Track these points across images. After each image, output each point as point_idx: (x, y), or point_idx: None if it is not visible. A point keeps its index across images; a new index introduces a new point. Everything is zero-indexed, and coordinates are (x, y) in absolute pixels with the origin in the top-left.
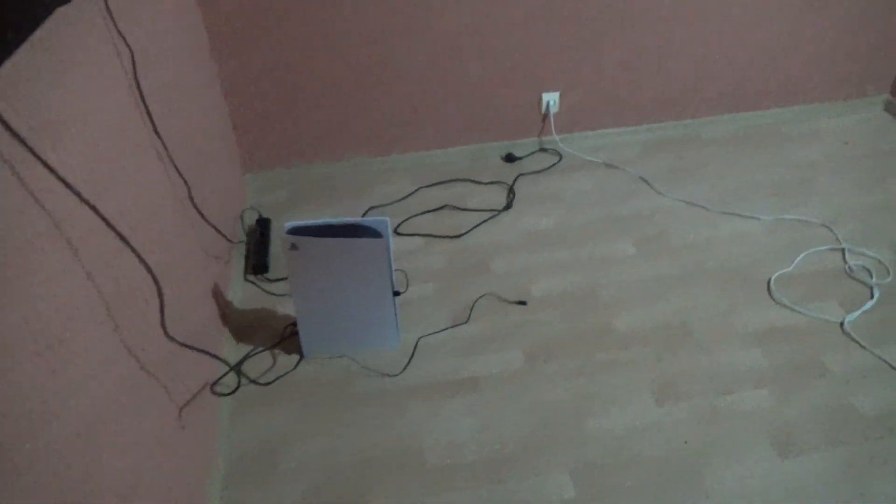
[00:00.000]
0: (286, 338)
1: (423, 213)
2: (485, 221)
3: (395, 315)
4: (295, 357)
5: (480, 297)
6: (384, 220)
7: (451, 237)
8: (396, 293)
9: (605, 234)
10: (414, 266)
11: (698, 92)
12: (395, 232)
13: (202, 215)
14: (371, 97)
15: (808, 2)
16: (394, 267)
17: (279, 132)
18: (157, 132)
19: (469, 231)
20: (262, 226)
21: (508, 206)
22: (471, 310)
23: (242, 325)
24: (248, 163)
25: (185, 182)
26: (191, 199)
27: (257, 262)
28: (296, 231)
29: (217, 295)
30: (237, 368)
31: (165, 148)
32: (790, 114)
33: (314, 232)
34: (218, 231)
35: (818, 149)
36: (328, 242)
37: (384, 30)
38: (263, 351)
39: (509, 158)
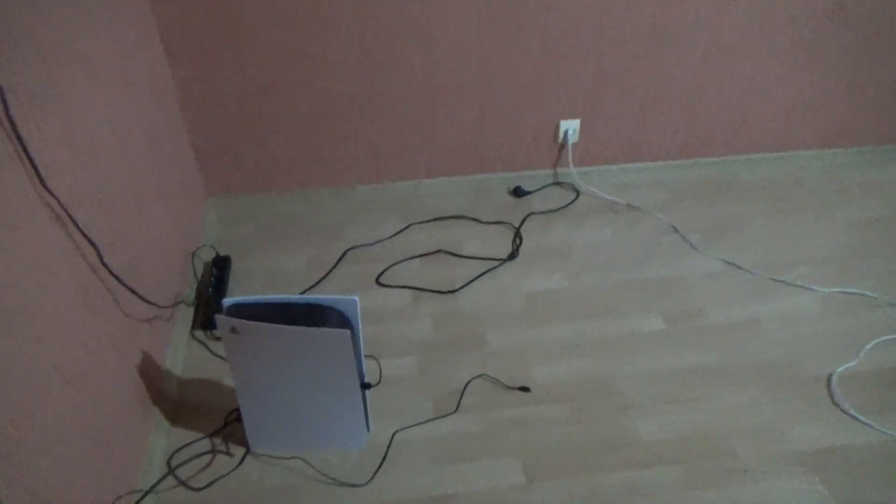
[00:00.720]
0: (231, 422)
1: (411, 257)
2: (484, 273)
3: (365, 410)
4: (239, 450)
5: (473, 379)
6: (352, 301)
7: (443, 292)
8: (366, 386)
9: (627, 302)
10: (395, 330)
11: (739, 126)
12: (378, 282)
13: (119, 280)
14: (356, 117)
15: (868, 43)
16: (363, 353)
17: (247, 154)
18: (45, 186)
19: (465, 286)
20: (220, 267)
21: (513, 256)
22: (460, 396)
23: (181, 402)
24: (210, 186)
25: (93, 244)
26: (102, 263)
27: (208, 318)
28: (238, 309)
29: (146, 370)
30: (168, 471)
31: (61, 205)
32: (844, 157)
33: (262, 312)
34: (141, 298)
35: (879, 202)
36: (279, 330)
37: (374, 44)
38: (202, 439)
39: (518, 193)
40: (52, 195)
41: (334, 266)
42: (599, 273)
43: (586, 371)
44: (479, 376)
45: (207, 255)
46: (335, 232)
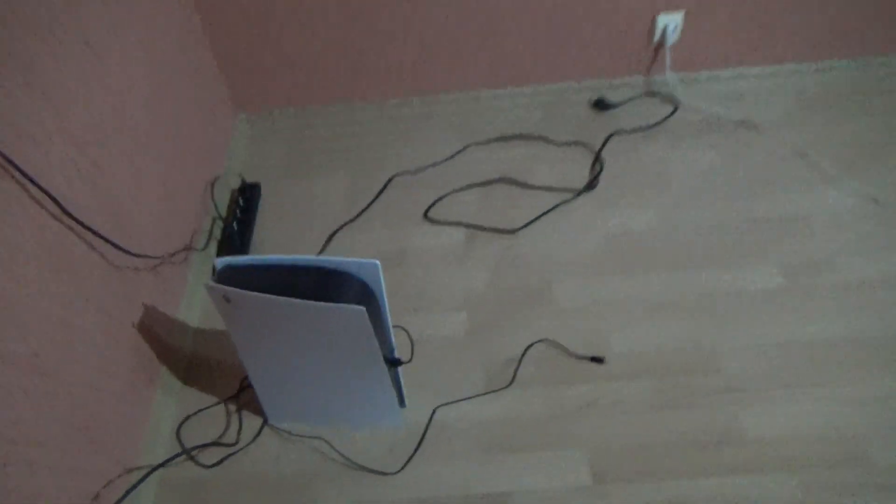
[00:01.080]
0: (246, 387)
1: (467, 187)
2: (554, 209)
3: (398, 386)
4: (256, 421)
5: (535, 344)
6: (373, 266)
7: (503, 231)
8: (394, 362)
9: (735, 250)
10: (443, 278)
11: None
12: (426, 216)
13: (85, 225)
14: (405, 15)
15: None
16: (391, 324)
17: (280, 63)
18: None
19: (530, 223)
20: (247, 197)
21: (591, 187)
22: (517, 365)
23: (195, 358)
24: (239, 100)
25: (49, 195)
26: (65, 212)
27: None
28: (233, 273)
29: (151, 325)
30: (180, 451)
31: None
32: None
33: (263, 277)
34: (121, 249)
35: None
36: (280, 303)
37: None
38: (217, 405)
39: (601, 105)
40: None
41: (376, 196)
42: (700, 210)
43: (677, 339)
44: (541, 341)
45: (234, 183)
46: (379, 155)
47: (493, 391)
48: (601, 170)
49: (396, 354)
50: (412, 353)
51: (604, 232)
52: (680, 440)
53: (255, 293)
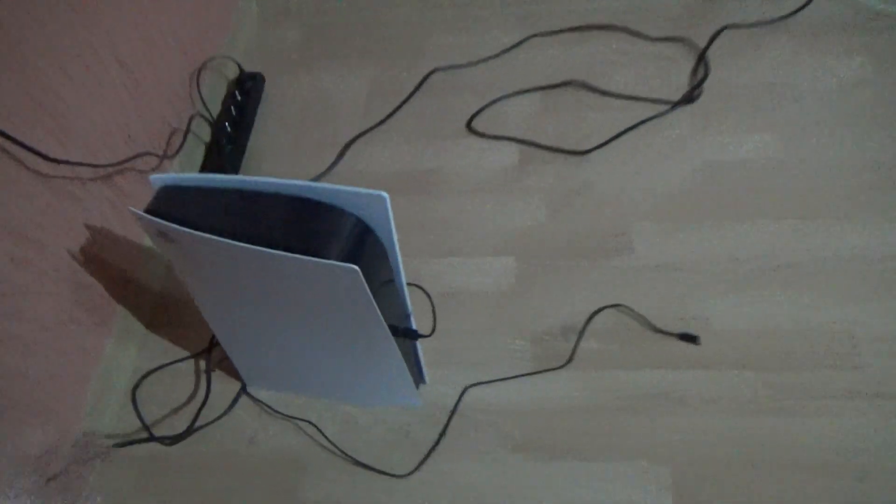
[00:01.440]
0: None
1: (525, 90)
2: (639, 125)
3: (415, 358)
4: (231, 385)
5: (603, 310)
6: (379, 199)
7: (569, 152)
8: (409, 335)
9: (888, 195)
10: (486, 211)
11: None
12: (469, 128)
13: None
14: None
15: None
16: (405, 282)
17: None
18: None
19: (606, 143)
20: (246, 90)
21: (690, 98)
22: (579, 336)
23: (162, 298)
24: None
25: None
26: None
27: (218, 169)
28: (175, 198)
29: (100, 252)
30: (142, 430)
31: None
32: None
33: (215, 207)
34: (36, 153)
35: None
36: (230, 248)
37: None
38: (186, 359)
39: None
40: None
41: (408, 97)
42: (839, 140)
43: (800, 318)
44: (613, 306)
45: (231, 72)
46: (415, 43)
47: (543, 371)
48: (706, 76)
49: (413, 324)
50: (434, 322)
51: (704, 160)
52: (798, 460)
53: (198, 233)
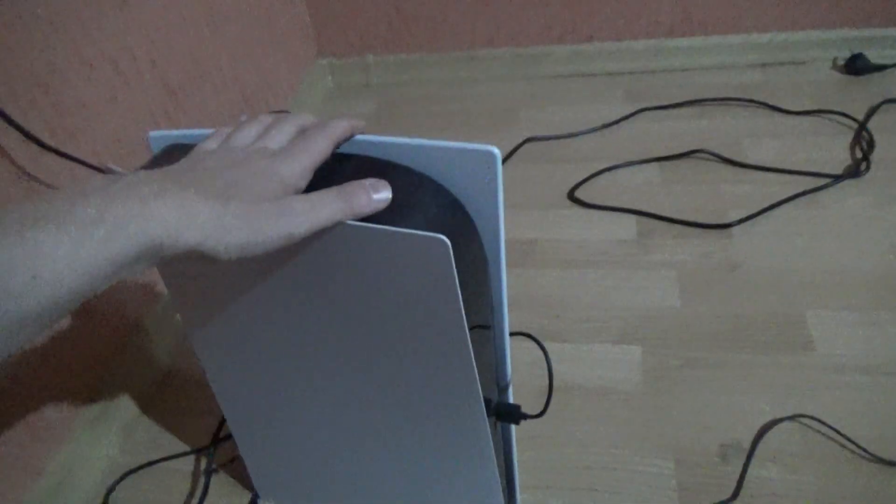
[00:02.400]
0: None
1: (641, 161)
2: (795, 198)
3: (508, 465)
4: (238, 495)
5: (779, 423)
6: (486, 155)
7: (707, 226)
8: (508, 413)
9: None
10: (600, 292)
11: None
12: (572, 197)
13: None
14: None
15: None
16: (507, 328)
17: None
18: None
19: (755, 216)
20: None
21: (856, 173)
22: (747, 458)
23: (170, 374)
24: (322, 40)
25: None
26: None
27: None
28: (175, 161)
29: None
30: None
31: None
32: None
33: None
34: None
35: None
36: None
37: None
38: (184, 455)
39: (857, 65)
40: None
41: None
42: None
43: None
44: (792, 418)
45: None
46: (505, 116)
47: None
48: (871, 149)
49: (511, 398)
50: (549, 397)
51: (890, 240)
52: None
53: None
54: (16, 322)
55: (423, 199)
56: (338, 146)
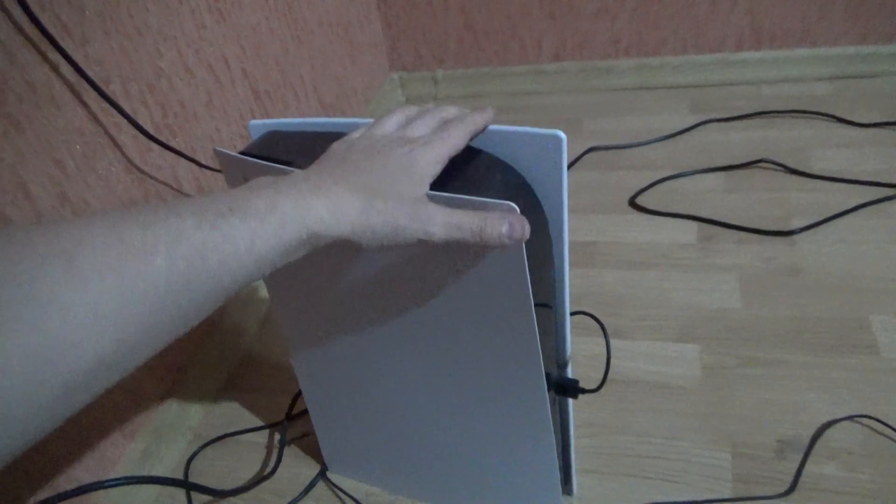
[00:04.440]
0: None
1: (704, 170)
2: (860, 208)
3: (565, 449)
4: (308, 466)
5: (837, 423)
6: (553, 139)
7: (770, 233)
8: (567, 387)
9: None
10: (660, 293)
11: None
12: (633, 204)
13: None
14: None
15: None
16: (568, 304)
17: (455, 7)
18: None
19: (819, 224)
20: None
21: None
22: (804, 455)
23: (250, 355)
24: (395, 55)
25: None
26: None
27: None
28: (275, 144)
29: None
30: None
31: None
32: None
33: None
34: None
35: None
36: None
37: None
38: (259, 430)
39: None
40: None
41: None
42: None
43: None
44: (851, 418)
45: None
46: (569, 125)
47: (754, 499)
48: None
49: (571, 372)
50: (606, 373)
51: None
52: None
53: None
54: (211, 296)
55: (494, 177)
56: (474, 137)
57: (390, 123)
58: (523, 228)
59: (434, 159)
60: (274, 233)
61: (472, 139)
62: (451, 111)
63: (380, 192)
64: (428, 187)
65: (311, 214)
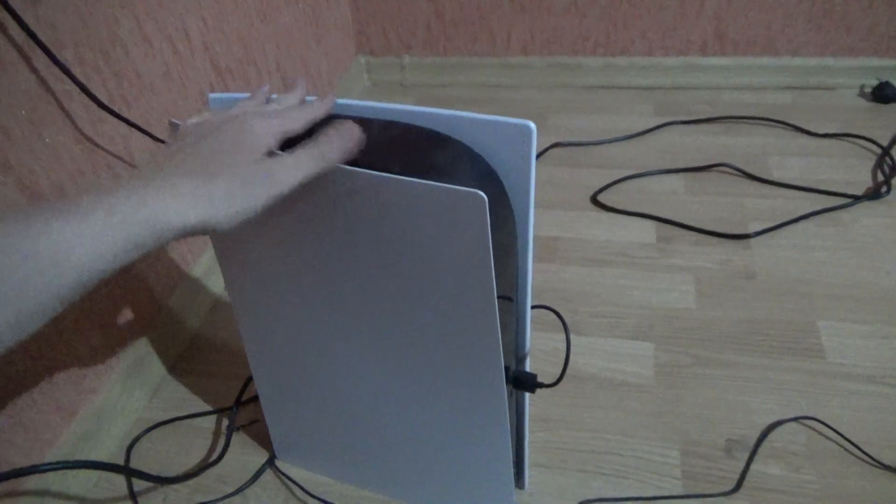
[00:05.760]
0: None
1: (665, 171)
2: (814, 214)
3: (518, 444)
4: (256, 454)
5: (783, 424)
6: (522, 129)
7: (725, 235)
8: (527, 382)
9: None
10: (617, 291)
11: None
12: (595, 201)
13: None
14: None
15: None
16: (529, 298)
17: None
18: None
19: (774, 228)
20: None
21: (876, 195)
22: (750, 455)
23: (199, 337)
24: (362, 38)
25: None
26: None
27: None
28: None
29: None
30: (126, 471)
31: None
32: None
33: (293, 139)
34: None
35: None
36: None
37: None
38: (207, 414)
39: (883, 94)
40: None
41: None
42: None
43: None
44: (797, 419)
45: None
46: (536, 119)
47: (700, 496)
48: (893, 172)
49: (528, 367)
50: (565, 367)
51: None
52: None
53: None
54: (50, 297)
55: (461, 164)
56: (312, 123)
57: (251, 102)
58: (353, 131)
59: (266, 130)
60: (118, 230)
61: (311, 125)
62: (304, 97)
63: (218, 170)
64: (262, 154)
65: (157, 206)
